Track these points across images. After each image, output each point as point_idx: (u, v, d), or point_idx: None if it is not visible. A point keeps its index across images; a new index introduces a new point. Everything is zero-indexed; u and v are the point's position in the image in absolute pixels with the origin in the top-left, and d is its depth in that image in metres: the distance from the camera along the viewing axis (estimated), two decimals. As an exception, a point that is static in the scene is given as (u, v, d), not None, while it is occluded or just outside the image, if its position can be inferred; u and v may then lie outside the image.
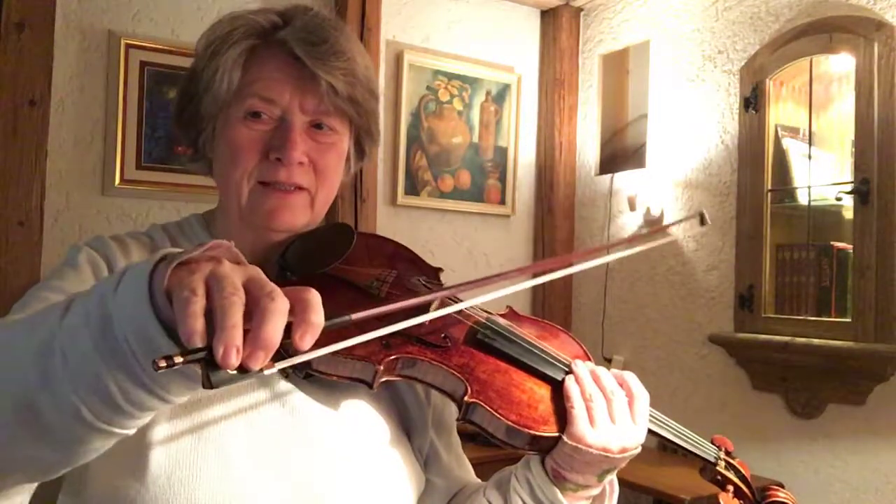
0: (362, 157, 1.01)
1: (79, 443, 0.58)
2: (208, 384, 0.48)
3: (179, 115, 0.94)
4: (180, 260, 0.53)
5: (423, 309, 0.73)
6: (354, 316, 0.56)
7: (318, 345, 0.53)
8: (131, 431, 0.59)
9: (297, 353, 0.52)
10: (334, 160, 0.92)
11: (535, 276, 0.77)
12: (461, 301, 0.81)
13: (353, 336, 0.58)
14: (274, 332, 0.49)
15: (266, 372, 0.50)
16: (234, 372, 0.49)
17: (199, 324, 0.48)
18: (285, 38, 0.88)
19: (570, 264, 0.77)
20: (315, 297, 0.53)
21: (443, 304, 0.78)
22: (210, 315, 0.49)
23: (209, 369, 0.48)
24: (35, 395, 0.55)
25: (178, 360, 0.47)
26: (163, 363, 0.47)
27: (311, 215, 0.92)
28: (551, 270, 0.75)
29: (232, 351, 0.48)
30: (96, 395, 0.53)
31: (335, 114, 0.91)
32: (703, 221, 0.84)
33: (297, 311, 0.51)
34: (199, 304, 0.49)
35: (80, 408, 0.54)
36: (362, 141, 0.98)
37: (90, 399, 0.54)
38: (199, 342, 0.48)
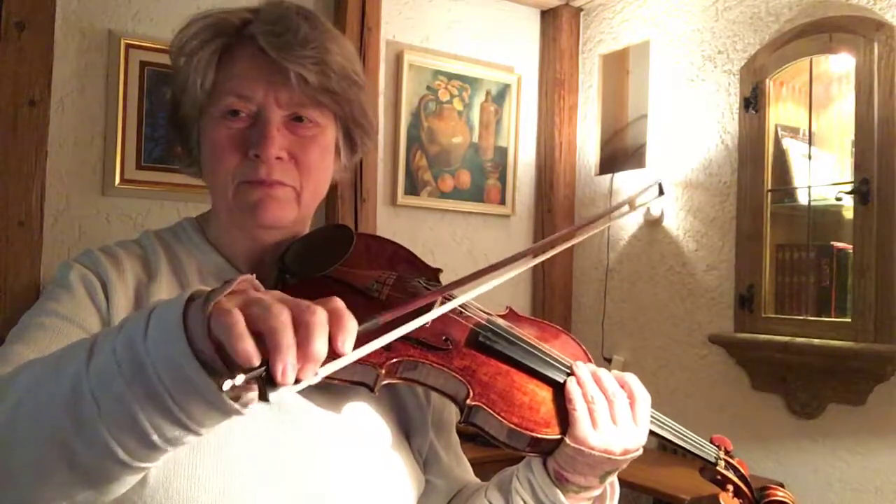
0: (355, 150, 0.98)
1: (113, 481, 0.59)
2: (265, 399, 0.52)
3: (171, 118, 0.94)
4: (216, 299, 0.54)
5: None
6: (381, 318, 0.58)
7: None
8: (159, 463, 0.60)
9: (333, 358, 0.54)
10: (317, 153, 0.90)
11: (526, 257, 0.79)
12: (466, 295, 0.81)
13: (376, 337, 0.60)
14: (322, 345, 0.52)
15: (314, 381, 0.53)
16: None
17: (251, 345, 0.51)
18: (253, 33, 0.86)
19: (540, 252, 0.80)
20: (342, 304, 0.55)
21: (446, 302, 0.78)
22: (258, 336, 0.52)
23: (266, 385, 0.51)
24: (69, 440, 0.56)
25: (240, 379, 0.50)
26: (227, 384, 0.50)
27: (298, 211, 0.90)
28: (534, 253, 0.78)
29: (289, 369, 0.51)
30: (132, 437, 0.54)
31: (313, 105, 0.88)
32: (661, 192, 0.91)
33: (333, 321, 0.54)
34: (244, 325, 0.52)
35: (116, 450, 0.55)
36: (352, 132, 0.96)
37: (126, 440, 0.55)
38: (256, 362, 0.51)
